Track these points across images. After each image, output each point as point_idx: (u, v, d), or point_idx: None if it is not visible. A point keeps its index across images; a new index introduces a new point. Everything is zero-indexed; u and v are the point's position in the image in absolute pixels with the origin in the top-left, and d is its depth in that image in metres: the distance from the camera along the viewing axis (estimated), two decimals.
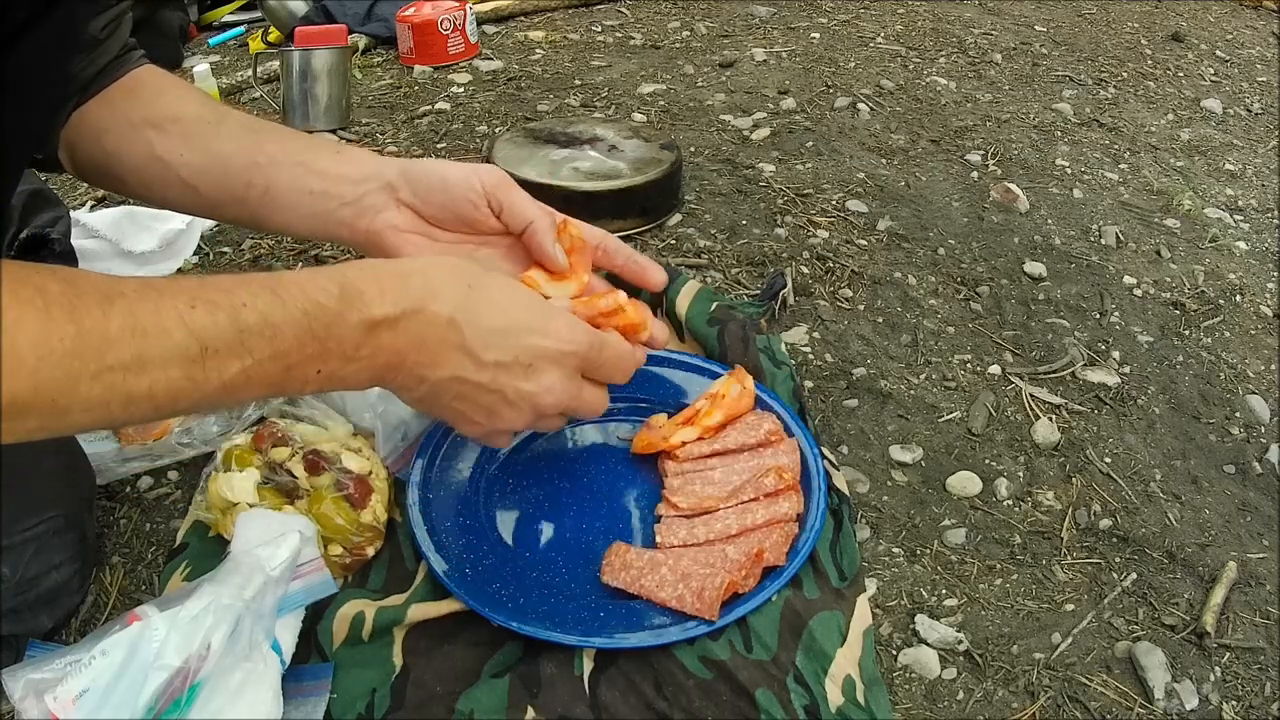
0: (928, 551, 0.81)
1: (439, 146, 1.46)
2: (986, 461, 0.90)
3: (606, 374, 0.70)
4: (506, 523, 0.78)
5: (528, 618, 0.67)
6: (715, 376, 0.88)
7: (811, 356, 1.02)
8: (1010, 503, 0.86)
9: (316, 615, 0.69)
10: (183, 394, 0.52)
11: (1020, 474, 0.89)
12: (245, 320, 0.54)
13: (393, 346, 0.60)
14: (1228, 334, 1.14)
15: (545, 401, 0.66)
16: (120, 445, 0.85)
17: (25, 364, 0.47)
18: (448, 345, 0.61)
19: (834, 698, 0.65)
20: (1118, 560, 0.82)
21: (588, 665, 0.66)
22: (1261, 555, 0.84)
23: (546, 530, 0.77)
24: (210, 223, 1.24)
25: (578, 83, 1.73)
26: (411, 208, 0.75)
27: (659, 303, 1.02)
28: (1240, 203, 1.48)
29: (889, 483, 0.87)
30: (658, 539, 0.75)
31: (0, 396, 0.46)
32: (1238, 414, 1.01)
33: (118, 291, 0.51)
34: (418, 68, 1.79)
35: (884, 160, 1.47)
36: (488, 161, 1.24)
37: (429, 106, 1.62)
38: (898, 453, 0.90)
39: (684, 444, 0.82)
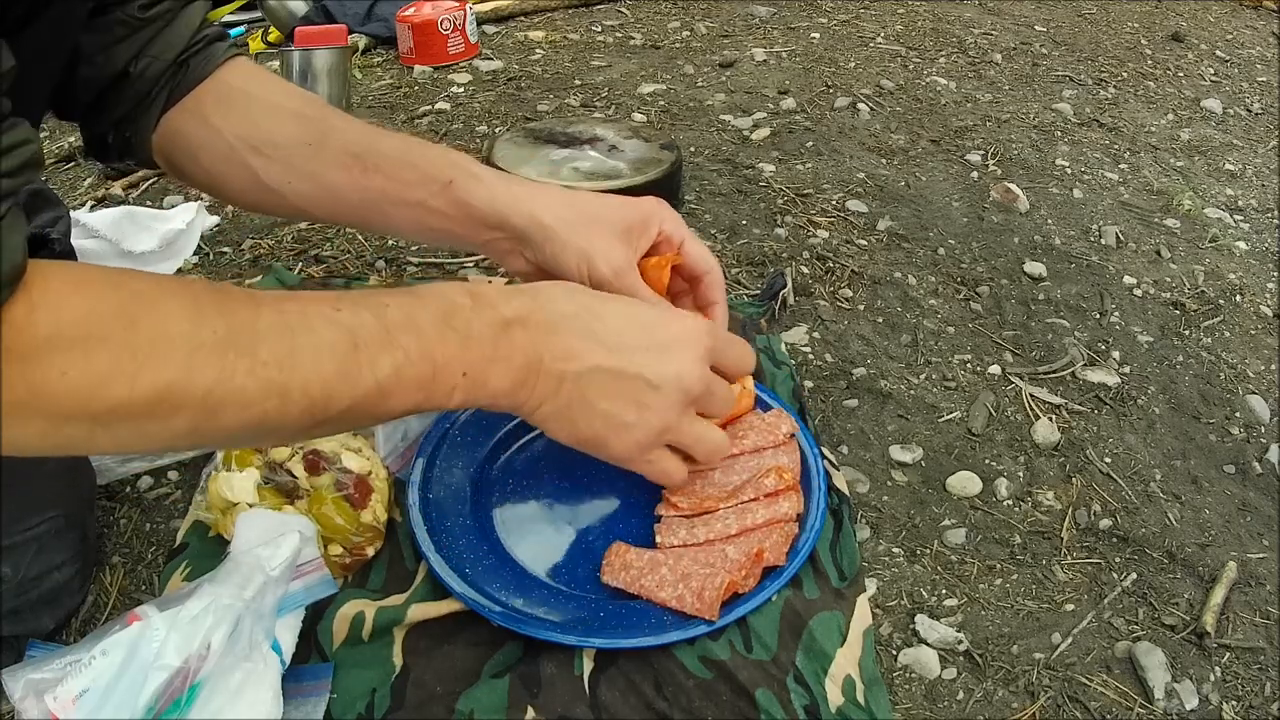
0: (928, 551, 0.81)
1: None
2: (986, 461, 0.90)
3: (730, 359, 0.69)
4: (506, 522, 0.78)
5: (528, 618, 0.67)
6: None
7: (811, 356, 1.02)
8: (1010, 503, 0.86)
9: (316, 615, 0.69)
10: (337, 393, 0.51)
11: (1020, 474, 0.89)
12: (391, 317, 0.54)
13: (528, 342, 0.59)
14: (1228, 334, 1.14)
15: (689, 381, 0.63)
16: None
17: (177, 353, 0.46)
18: (578, 333, 0.61)
19: (834, 698, 0.65)
20: (1118, 560, 0.82)
21: (588, 665, 0.66)
22: (1261, 555, 0.84)
23: (546, 530, 0.77)
24: (211, 222, 1.24)
25: (578, 83, 1.73)
26: (535, 265, 0.74)
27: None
28: (1240, 203, 1.48)
29: (889, 483, 0.87)
30: (658, 539, 0.75)
31: (150, 388, 0.45)
32: (1238, 414, 1.01)
33: (263, 296, 0.51)
34: (418, 68, 1.79)
35: (884, 160, 1.47)
36: (488, 162, 1.24)
37: (429, 106, 1.62)
38: (898, 453, 0.90)
39: None
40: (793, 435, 0.82)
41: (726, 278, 1.14)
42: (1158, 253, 1.29)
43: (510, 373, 0.59)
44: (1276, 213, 1.46)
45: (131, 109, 0.73)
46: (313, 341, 0.51)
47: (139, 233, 1.13)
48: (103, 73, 0.71)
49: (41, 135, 1.59)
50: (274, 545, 0.66)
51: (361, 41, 1.88)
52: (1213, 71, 2.02)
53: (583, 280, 0.72)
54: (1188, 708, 0.70)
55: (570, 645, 0.66)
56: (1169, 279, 1.23)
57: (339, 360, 0.51)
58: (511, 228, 0.73)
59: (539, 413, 0.62)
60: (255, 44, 1.90)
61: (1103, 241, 1.30)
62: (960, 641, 0.72)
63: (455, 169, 0.73)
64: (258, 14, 2.11)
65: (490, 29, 2.03)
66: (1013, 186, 1.40)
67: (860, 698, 0.66)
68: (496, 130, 1.52)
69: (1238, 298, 1.21)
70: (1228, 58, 2.11)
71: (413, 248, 1.20)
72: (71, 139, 1.49)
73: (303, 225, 1.24)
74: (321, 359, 0.51)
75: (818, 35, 2.02)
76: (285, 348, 0.50)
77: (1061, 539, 0.83)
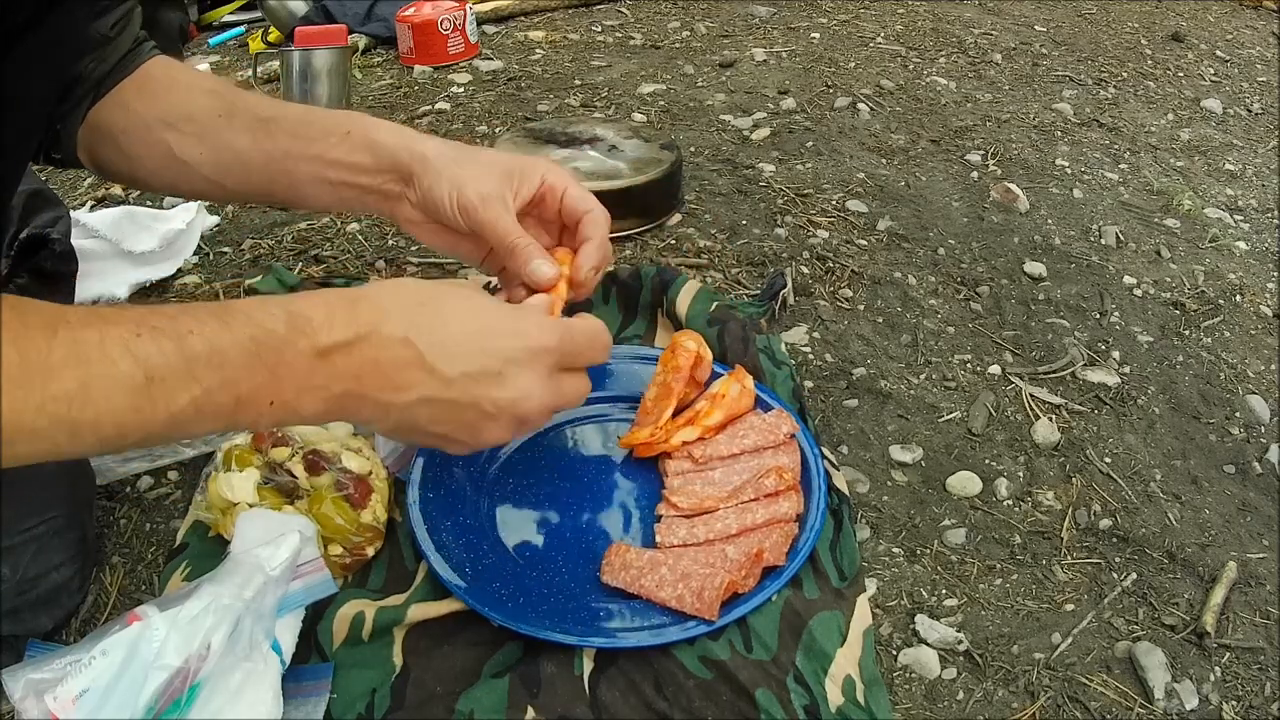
0: (928, 551, 0.81)
1: None
2: (986, 461, 0.90)
3: (585, 359, 0.67)
4: (507, 522, 0.78)
5: (527, 617, 0.67)
6: (715, 376, 0.88)
7: (811, 356, 1.02)
8: (1010, 503, 0.86)
9: (316, 615, 0.69)
10: (129, 426, 0.50)
11: (1020, 474, 0.89)
12: (192, 347, 0.52)
13: (349, 373, 0.56)
14: (1228, 334, 1.14)
15: (526, 408, 0.62)
16: None
17: None
18: (407, 365, 0.58)
19: (834, 698, 0.65)
20: (1118, 560, 0.82)
21: (588, 665, 0.66)
22: (1261, 555, 0.84)
23: (547, 530, 0.77)
24: (211, 222, 1.24)
25: (578, 83, 1.73)
26: (420, 208, 0.76)
27: (659, 304, 1.02)
28: (1240, 203, 1.48)
29: (889, 483, 0.87)
30: (658, 539, 0.75)
31: None
32: (1238, 414, 1.01)
33: (63, 320, 0.49)
34: (418, 68, 1.79)
35: (884, 160, 1.47)
36: None
37: (429, 106, 1.62)
38: (898, 453, 0.90)
39: (685, 444, 0.82)
40: (793, 436, 0.82)
41: (726, 278, 1.14)
42: (1158, 253, 1.29)
43: (326, 401, 0.57)
44: (1276, 213, 1.46)
45: (66, 107, 0.76)
46: (105, 374, 0.49)
47: (139, 233, 1.13)
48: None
49: None
50: (274, 545, 0.66)
51: (361, 41, 1.88)
52: (1213, 71, 2.02)
53: (451, 208, 0.73)
54: (1188, 708, 0.70)
55: (570, 645, 0.66)
56: (1169, 279, 1.23)
57: (131, 395, 0.50)
58: (400, 166, 0.75)
59: (369, 426, 0.63)
60: (255, 44, 1.90)
61: (1103, 241, 1.30)
62: (960, 641, 0.72)
63: (353, 122, 0.77)
64: (258, 14, 2.11)
65: (490, 29, 2.03)
66: (1013, 186, 1.40)
67: (860, 698, 0.66)
68: (496, 130, 1.52)
69: (1238, 298, 1.21)
70: (1228, 58, 2.11)
71: (413, 247, 1.20)
72: None
73: (302, 225, 1.24)
74: (113, 394, 0.49)
75: (818, 35, 2.02)
76: (76, 383, 0.48)
77: (1061, 539, 0.83)
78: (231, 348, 0.53)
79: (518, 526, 0.78)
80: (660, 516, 0.77)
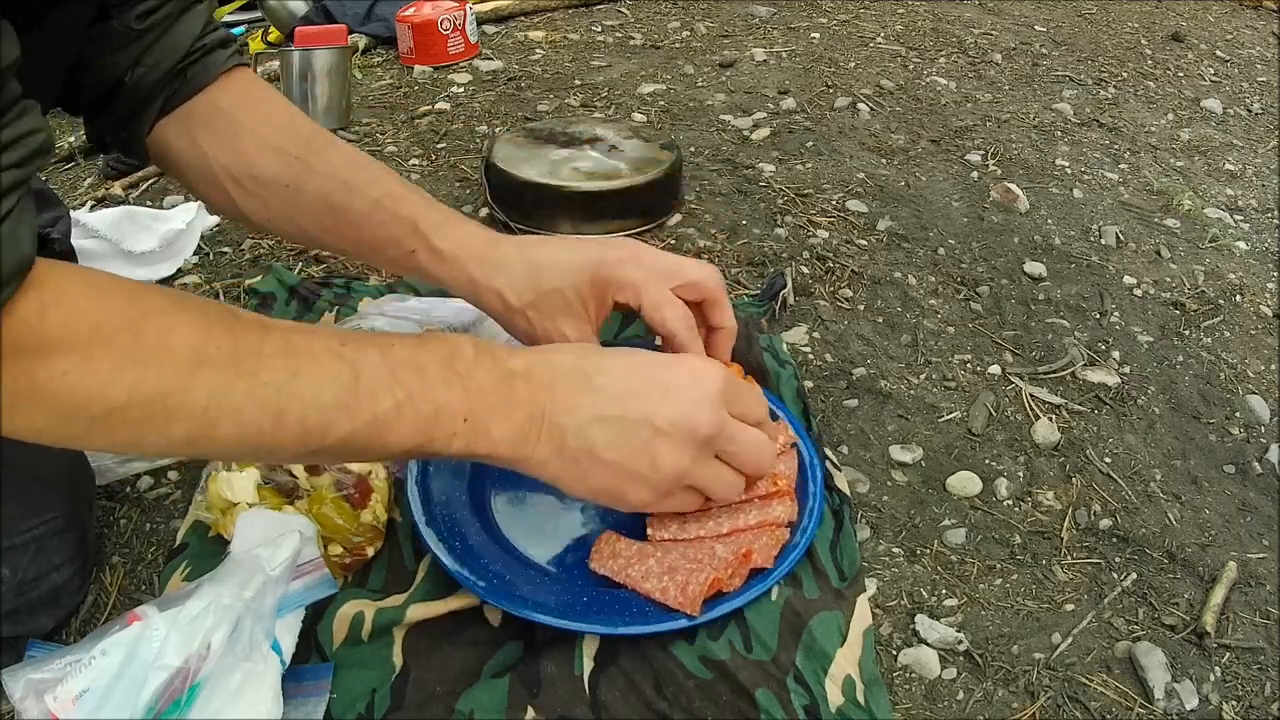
0: (928, 551, 0.81)
1: (439, 146, 1.47)
2: (986, 461, 0.90)
3: (750, 408, 0.66)
4: (501, 505, 0.79)
5: (509, 594, 0.68)
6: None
7: (811, 356, 1.02)
8: (1010, 503, 0.86)
9: (316, 615, 0.69)
10: (333, 423, 0.52)
11: (1020, 474, 0.89)
12: (395, 355, 0.55)
13: (530, 397, 0.59)
14: (1228, 334, 1.14)
15: (699, 423, 0.60)
16: None
17: (178, 366, 0.48)
18: (578, 387, 0.60)
19: (834, 698, 0.65)
20: (1118, 560, 0.82)
21: (588, 665, 0.66)
22: (1261, 555, 0.84)
23: (540, 517, 0.78)
24: (211, 222, 1.24)
25: (578, 83, 1.73)
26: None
27: None
28: (1240, 203, 1.48)
29: (889, 483, 0.87)
30: (649, 531, 0.75)
31: (147, 397, 0.46)
32: (1238, 414, 1.01)
33: (272, 323, 0.52)
34: (418, 68, 1.79)
35: (884, 160, 1.47)
36: (488, 161, 1.24)
37: (429, 106, 1.62)
38: (898, 453, 0.90)
39: None
40: (793, 445, 0.82)
41: (726, 278, 1.14)
42: (1158, 253, 1.29)
43: (512, 425, 0.58)
44: (1276, 213, 1.46)
45: (127, 115, 0.74)
46: (315, 369, 0.52)
47: (139, 233, 1.13)
48: (102, 80, 0.72)
49: None
50: (274, 545, 0.66)
51: (361, 41, 1.88)
52: (1213, 71, 2.02)
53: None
54: (1188, 708, 0.70)
55: (552, 626, 0.66)
56: (1169, 279, 1.23)
57: (339, 390, 0.52)
58: (476, 301, 0.75)
59: (547, 469, 0.61)
60: (255, 44, 1.90)
61: (1103, 241, 1.30)
62: (960, 641, 0.72)
63: (417, 238, 0.73)
64: (258, 14, 2.11)
65: (490, 29, 2.03)
66: (1013, 186, 1.40)
67: (860, 698, 0.66)
68: (496, 130, 1.52)
69: (1238, 298, 1.21)
70: (1228, 58, 2.11)
71: None
72: (71, 139, 1.49)
73: None
74: (321, 387, 0.51)
75: (818, 35, 2.02)
76: (287, 372, 0.50)
77: (1061, 539, 0.83)
78: (430, 361, 0.56)
79: (513, 512, 0.78)
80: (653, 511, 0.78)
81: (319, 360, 0.52)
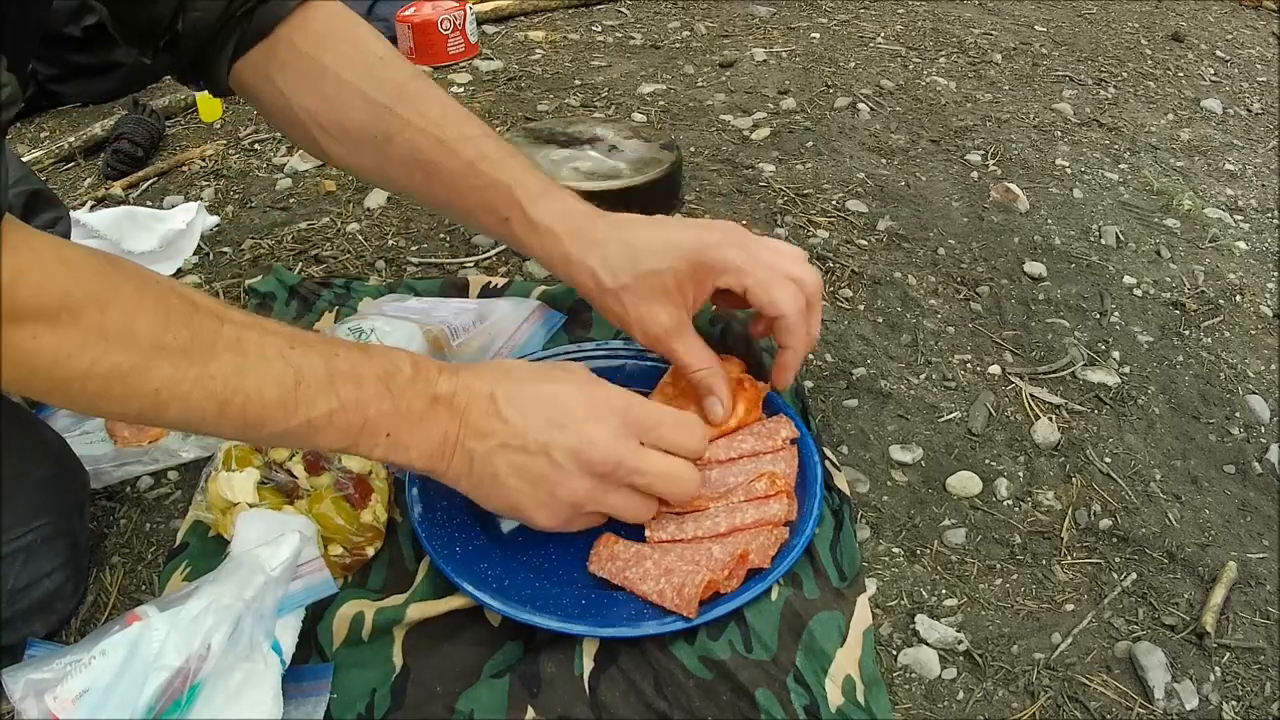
0: (928, 551, 0.81)
1: None
2: (986, 461, 0.90)
3: (668, 437, 0.67)
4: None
5: (508, 598, 0.68)
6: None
7: (811, 356, 1.02)
8: (1010, 503, 0.86)
9: (316, 615, 0.69)
10: (270, 419, 0.56)
11: (1020, 474, 0.89)
12: (337, 365, 0.58)
13: (448, 420, 0.62)
14: (1228, 334, 1.14)
15: (591, 455, 0.63)
16: (116, 447, 0.85)
17: (139, 348, 0.51)
18: (489, 414, 0.63)
19: (834, 698, 0.65)
20: (1118, 560, 0.82)
21: (588, 665, 0.66)
22: (1261, 555, 0.84)
23: None
24: (211, 222, 1.24)
25: (578, 83, 1.73)
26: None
27: None
28: (1240, 203, 1.48)
29: (889, 483, 0.87)
30: (647, 533, 0.75)
31: (107, 372, 0.50)
32: (1238, 414, 1.01)
33: (228, 315, 0.56)
34: (418, 68, 1.79)
35: (884, 160, 1.47)
36: None
37: None
38: (898, 453, 0.90)
39: None
40: (793, 441, 0.82)
41: None
42: (1158, 253, 1.29)
43: (429, 445, 0.63)
44: (1276, 213, 1.46)
45: (196, 59, 0.73)
46: (260, 369, 0.55)
47: (139, 233, 1.13)
48: (152, 24, 0.70)
49: (41, 135, 1.59)
50: (274, 545, 0.66)
51: None
52: (1213, 71, 2.02)
53: (639, 337, 0.74)
54: (1188, 708, 0.70)
55: (553, 631, 0.67)
56: (1169, 279, 1.23)
57: (280, 392, 0.56)
58: (570, 277, 0.74)
59: (460, 485, 0.66)
60: None
61: (1103, 241, 1.30)
62: (960, 641, 0.72)
63: (513, 206, 0.73)
64: None
65: (490, 29, 2.02)
66: (1013, 186, 1.40)
67: (860, 698, 0.66)
68: (496, 130, 1.51)
69: (1238, 298, 1.21)
70: (1228, 58, 2.11)
71: (413, 247, 1.20)
72: (71, 139, 1.49)
73: (302, 225, 1.24)
74: (265, 386, 0.55)
75: (818, 35, 2.02)
76: (234, 369, 0.54)
77: (1061, 539, 0.83)
78: (369, 375, 0.60)
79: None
80: None
81: (266, 361, 0.56)
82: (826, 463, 0.82)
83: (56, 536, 0.71)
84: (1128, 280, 1.21)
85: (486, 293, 1.06)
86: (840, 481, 0.83)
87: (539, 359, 0.91)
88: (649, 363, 0.89)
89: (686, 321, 0.73)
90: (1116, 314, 1.15)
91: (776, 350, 0.78)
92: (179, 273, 1.15)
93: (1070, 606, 0.77)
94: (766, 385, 0.85)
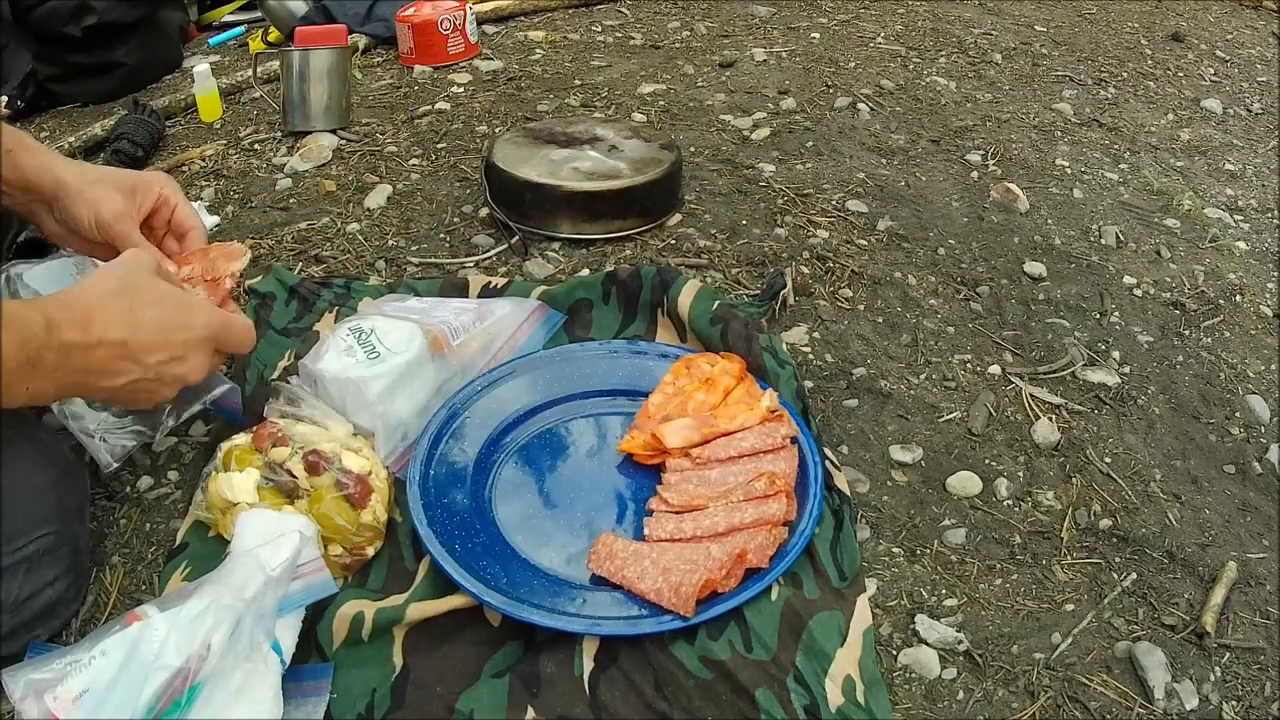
0: (928, 551, 0.81)
1: (439, 146, 1.46)
2: (986, 461, 0.90)
3: (233, 347, 0.79)
4: (502, 505, 0.79)
5: (508, 597, 0.68)
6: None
7: (811, 356, 1.02)
8: (1010, 503, 0.86)
9: (316, 615, 0.69)
10: None
11: (1020, 474, 0.89)
12: None
13: (83, 367, 0.67)
14: (1228, 334, 1.14)
15: (193, 378, 0.74)
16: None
17: None
18: (123, 361, 0.69)
19: (834, 698, 0.65)
20: (1118, 560, 0.82)
21: (588, 665, 0.66)
22: (1261, 555, 0.84)
23: (540, 519, 0.78)
24: (211, 222, 1.24)
25: (578, 83, 1.73)
26: (62, 224, 0.86)
27: (660, 304, 1.02)
28: (1240, 203, 1.48)
29: (889, 483, 0.87)
30: (646, 531, 0.75)
31: None
32: (1238, 414, 1.01)
33: None
34: (418, 68, 1.79)
35: (884, 160, 1.47)
36: (488, 161, 1.24)
37: (429, 106, 1.62)
38: (898, 453, 0.90)
39: (683, 450, 0.83)
40: (793, 440, 0.82)
41: (726, 278, 1.14)
42: (1158, 253, 1.29)
43: (58, 386, 0.67)
44: (1276, 213, 1.46)
45: None
46: None
47: None
48: None
49: (41, 135, 1.59)
50: (274, 545, 0.66)
51: (361, 41, 1.88)
52: (1213, 71, 2.02)
53: (90, 227, 0.84)
54: (1188, 708, 0.70)
55: (549, 628, 0.67)
56: (1169, 279, 1.23)
57: None
58: (43, 190, 0.84)
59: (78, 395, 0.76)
60: (255, 44, 1.90)
61: (1103, 241, 1.30)
62: (960, 641, 0.72)
63: (15, 138, 0.84)
64: (258, 14, 2.11)
65: (490, 29, 2.02)
66: (1013, 186, 1.40)
67: (860, 698, 0.66)
68: (496, 130, 1.52)
69: (1238, 298, 1.21)
70: (1228, 58, 2.11)
71: (413, 247, 1.20)
72: (71, 139, 1.49)
73: (302, 225, 1.24)
74: None
75: (818, 35, 2.02)
76: None
77: (1061, 539, 0.83)
78: (9, 343, 0.62)
79: (513, 514, 0.79)
80: (651, 511, 0.78)
81: None
82: (826, 462, 0.83)
83: (58, 545, 0.71)
84: (1128, 280, 1.21)
85: (486, 293, 1.07)
86: (840, 481, 0.83)
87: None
88: (649, 362, 0.89)
89: (133, 215, 0.85)
90: (1116, 314, 1.15)
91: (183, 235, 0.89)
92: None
93: (1070, 606, 0.77)
94: (770, 391, 0.85)
